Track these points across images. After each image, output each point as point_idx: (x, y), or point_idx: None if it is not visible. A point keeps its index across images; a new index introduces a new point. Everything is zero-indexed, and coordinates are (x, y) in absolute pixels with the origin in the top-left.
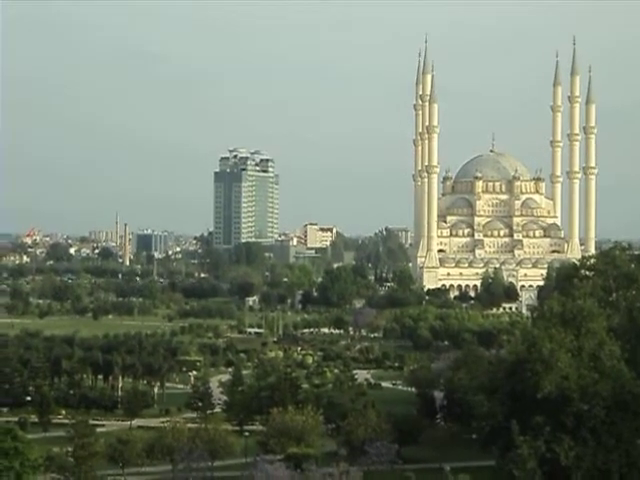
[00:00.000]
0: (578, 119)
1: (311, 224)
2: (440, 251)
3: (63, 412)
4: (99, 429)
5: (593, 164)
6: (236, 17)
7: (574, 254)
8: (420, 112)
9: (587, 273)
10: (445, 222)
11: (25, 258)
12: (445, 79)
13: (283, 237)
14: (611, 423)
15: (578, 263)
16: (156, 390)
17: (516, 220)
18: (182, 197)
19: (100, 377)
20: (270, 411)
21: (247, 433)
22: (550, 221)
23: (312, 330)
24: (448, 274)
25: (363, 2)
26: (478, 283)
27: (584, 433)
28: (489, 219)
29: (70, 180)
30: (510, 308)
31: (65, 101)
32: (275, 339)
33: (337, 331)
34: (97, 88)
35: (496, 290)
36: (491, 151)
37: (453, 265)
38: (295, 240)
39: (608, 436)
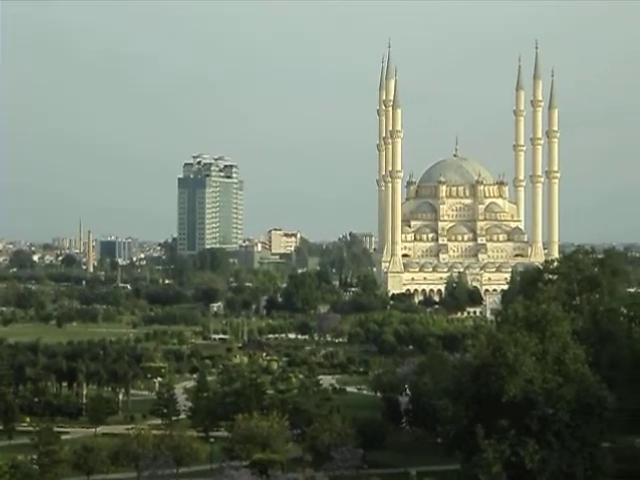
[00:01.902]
0: (541, 123)
1: (275, 230)
2: (404, 256)
3: (27, 420)
4: (64, 436)
5: (556, 168)
6: (201, 25)
7: (538, 258)
8: (383, 117)
9: (551, 277)
10: (409, 227)
11: None
12: (408, 84)
13: (247, 243)
14: (575, 427)
15: (542, 267)
16: (121, 397)
17: (480, 224)
18: (146, 204)
19: (64, 384)
20: (235, 417)
21: (212, 439)
22: (514, 225)
23: (277, 336)
24: (412, 279)
25: (333, 12)
26: (442, 287)
27: (549, 437)
28: (453, 223)
29: (33, 187)
30: (474, 312)
31: (26, 110)
32: (240, 345)
33: (302, 336)
34: (60, 96)
35: (460, 294)
36: (455, 155)
37: (417, 270)
38: (259, 246)
39: (573, 440)
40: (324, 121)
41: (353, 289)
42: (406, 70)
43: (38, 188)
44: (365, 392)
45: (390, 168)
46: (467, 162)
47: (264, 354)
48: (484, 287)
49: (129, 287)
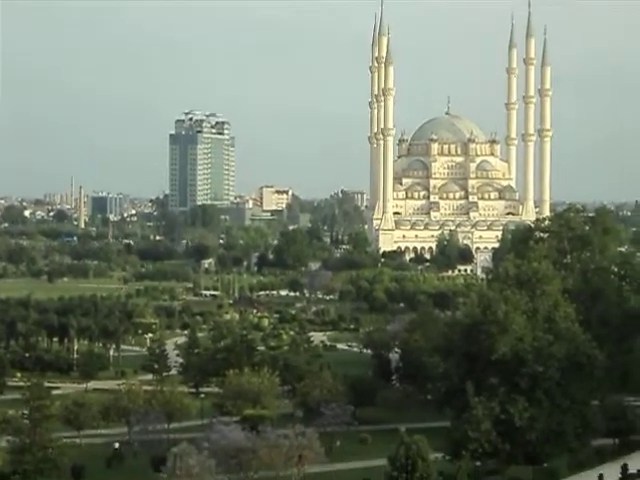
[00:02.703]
0: (533, 81)
1: (267, 186)
2: (396, 213)
3: (18, 375)
4: (55, 392)
5: (548, 126)
6: None
7: (529, 216)
8: (376, 74)
9: (542, 235)
10: (401, 184)
11: None
12: (401, 41)
13: (239, 200)
14: (565, 385)
15: (533, 225)
16: (112, 352)
17: (471, 182)
18: (137, 160)
19: (55, 340)
20: (226, 373)
21: (203, 395)
22: (505, 183)
23: (268, 292)
24: (404, 236)
25: None
26: (433, 245)
27: (538, 394)
28: (444, 181)
29: (25, 142)
30: (465, 270)
31: (17, 61)
32: (231, 301)
33: (293, 293)
34: (53, 46)
35: (451, 252)
36: (446, 113)
37: (409, 227)
38: (251, 203)
39: (562, 397)
40: (317, 79)
41: (344, 246)
42: (399, 28)
43: (29, 143)
44: (356, 349)
45: (382, 126)
46: (459, 120)
47: (255, 311)
48: (475, 245)
49: (130, 242)
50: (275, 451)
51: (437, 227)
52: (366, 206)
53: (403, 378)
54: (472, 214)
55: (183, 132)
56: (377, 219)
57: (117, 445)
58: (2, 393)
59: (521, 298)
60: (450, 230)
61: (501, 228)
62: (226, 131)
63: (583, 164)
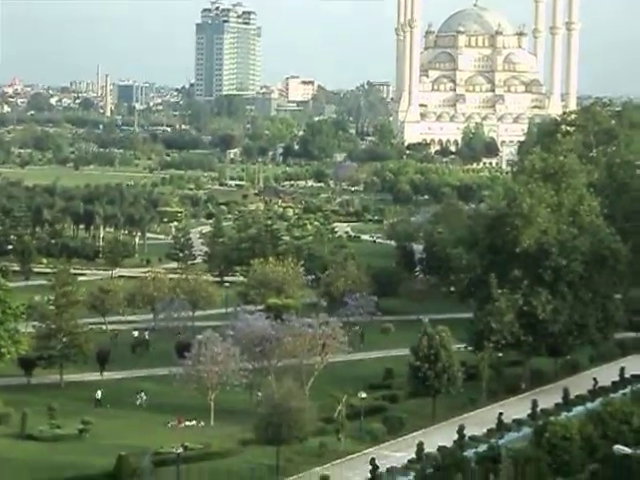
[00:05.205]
0: None
1: (293, 77)
2: (421, 105)
3: (44, 261)
4: (80, 278)
5: (575, 19)
6: None
7: (555, 110)
8: None
9: (568, 129)
10: (427, 76)
11: (6, 107)
12: None
13: (264, 90)
14: (589, 278)
15: (559, 119)
16: (137, 240)
17: (498, 75)
18: (164, 48)
19: (81, 227)
20: (251, 262)
21: (227, 284)
22: (532, 76)
23: (293, 183)
24: (429, 128)
25: None
26: (459, 138)
27: (562, 287)
28: (471, 74)
29: (51, 29)
30: (490, 163)
31: None
32: (256, 191)
33: (318, 184)
34: None
35: (477, 145)
36: (474, 5)
37: (434, 119)
38: (276, 93)
39: (585, 290)
40: None
41: (369, 138)
42: None
43: (55, 30)
44: (380, 240)
45: (409, 17)
46: (487, 12)
47: (280, 201)
48: (501, 138)
49: (156, 130)
50: (299, 340)
51: (463, 120)
52: (392, 98)
53: (426, 269)
54: (498, 107)
55: (209, 21)
56: (403, 111)
57: (136, 333)
58: (28, 279)
59: (546, 191)
60: (476, 123)
61: (527, 121)
62: (252, 21)
63: (610, 58)
